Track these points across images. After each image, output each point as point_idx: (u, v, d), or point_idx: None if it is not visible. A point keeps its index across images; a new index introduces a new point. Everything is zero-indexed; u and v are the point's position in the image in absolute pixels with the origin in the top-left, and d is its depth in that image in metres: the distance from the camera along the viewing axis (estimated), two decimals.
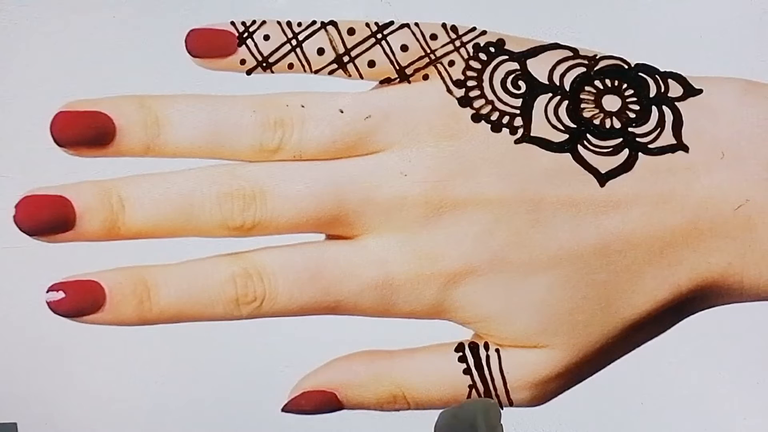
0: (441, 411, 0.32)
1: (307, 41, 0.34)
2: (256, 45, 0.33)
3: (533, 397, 0.34)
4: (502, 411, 0.32)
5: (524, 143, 0.32)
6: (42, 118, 0.33)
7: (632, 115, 0.33)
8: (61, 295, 0.32)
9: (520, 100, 0.33)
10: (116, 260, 0.33)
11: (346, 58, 0.34)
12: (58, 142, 0.32)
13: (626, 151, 0.32)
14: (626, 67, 0.34)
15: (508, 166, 0.32)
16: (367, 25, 0.34)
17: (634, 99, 0.33)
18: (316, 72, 0.34)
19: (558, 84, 0.33)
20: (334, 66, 0.34)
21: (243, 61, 0.34)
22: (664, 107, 0.33)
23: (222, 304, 0.33)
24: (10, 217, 0.31)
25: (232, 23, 0.34)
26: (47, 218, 0.32)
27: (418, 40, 0.33)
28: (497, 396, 0.33)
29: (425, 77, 0.33)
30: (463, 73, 0.33)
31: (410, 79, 0.34)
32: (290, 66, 0.34)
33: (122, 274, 0.32)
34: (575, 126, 0.33)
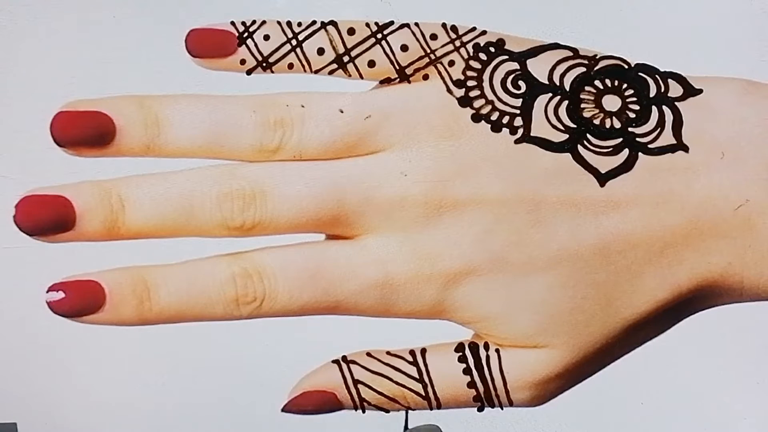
0: None
1: (307, 41, 0.33)
2: (256, 45, 0.33)
3: (533, 397, 0.34)
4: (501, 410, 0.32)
5: (524, 143, 0.32)
6: (42, 118, 0.33)
7: (632, 115, 0.33)
8: (61, 295, 0.32)
9: (520, 100, 0.33)
10: (116, 260, 0.33)
11: (346, 58, 0.34)
12: (58, 142, 0.32)
13: (626, 151, 0.32)
14: (626, 67, 0.34)
15: (508, 166, 0.32)
16: (367, 25, 0.34)
17: (634, 99, 0.33)
18: (316, 72, 0.34)
19: (558, 84, 0.33)
20: (334, 66, 0.34)
21: (243, 61, 0.34)
22: (664, 107, 0.33)
23: (222, 304, 0.32)
24: (10, 217, 0.31)
25: (232, 23, 0.34)
26: (47, 218, 0.32)
27: (418, 40, 0.33)
28: (497, 396, 0.33)
29: (425, 77, 0.33)
30: (463, 73, 0.33)
31: (410, 79, 0.33)
32: (290, 66, 0.34)
33: (122, 274, 0.32)
34: (575, 126, 0.33)
